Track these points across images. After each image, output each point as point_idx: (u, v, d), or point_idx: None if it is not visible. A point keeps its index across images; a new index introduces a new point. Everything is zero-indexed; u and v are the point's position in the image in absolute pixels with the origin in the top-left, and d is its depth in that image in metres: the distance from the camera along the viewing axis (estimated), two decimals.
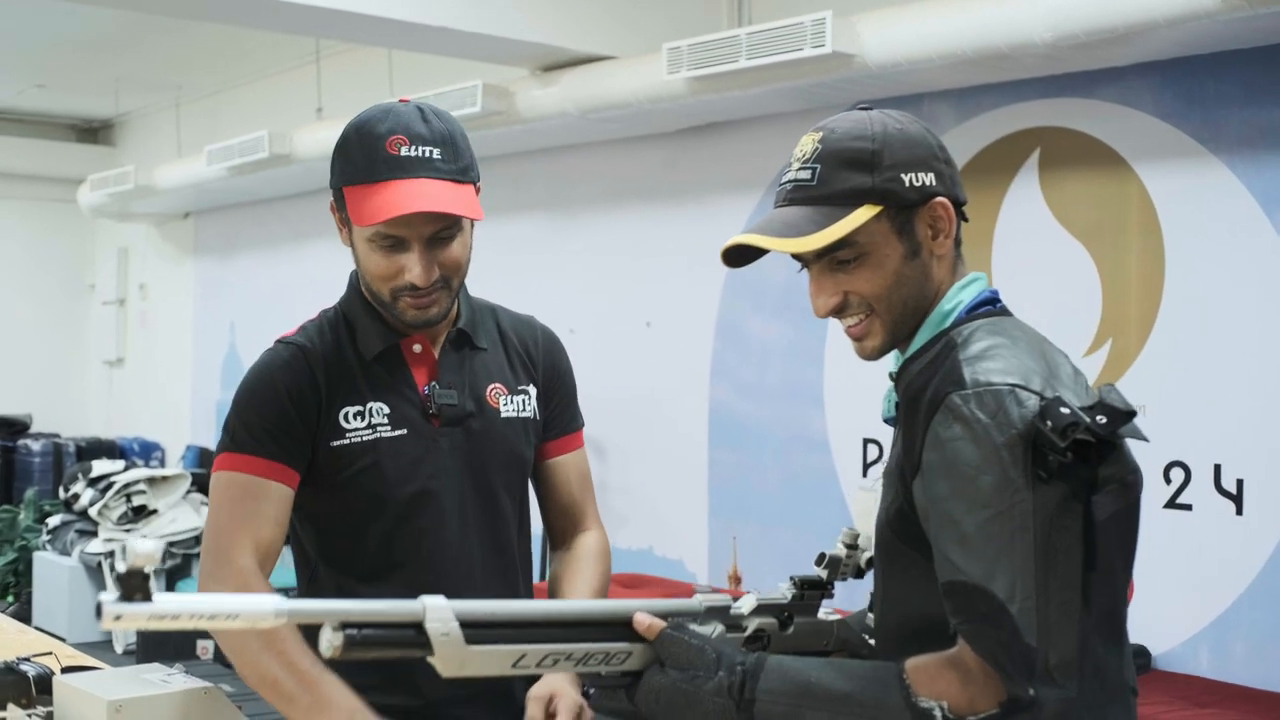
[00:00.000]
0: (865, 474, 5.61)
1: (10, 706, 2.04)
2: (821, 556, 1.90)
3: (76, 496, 7.86)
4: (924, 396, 1.69)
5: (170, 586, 7.38)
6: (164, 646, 6.43)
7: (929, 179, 1.75)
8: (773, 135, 5.82)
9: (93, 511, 7.60)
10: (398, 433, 2.12)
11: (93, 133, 11.29)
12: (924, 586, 1.69)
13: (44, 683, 2.12)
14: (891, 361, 1.86)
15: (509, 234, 7.15)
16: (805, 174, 1.77)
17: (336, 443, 2.10)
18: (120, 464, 8.26)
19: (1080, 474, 1.62)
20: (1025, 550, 1.57)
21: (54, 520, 7.99)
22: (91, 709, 1.83)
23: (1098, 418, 1.60)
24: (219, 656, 6.40)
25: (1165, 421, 4.61)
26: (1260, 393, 4.42)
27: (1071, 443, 1.58)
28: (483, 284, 8.25)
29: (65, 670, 2.15)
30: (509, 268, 6.96)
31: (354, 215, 2.04)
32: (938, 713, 1.58)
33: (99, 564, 7.41)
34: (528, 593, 2.26)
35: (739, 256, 1.82)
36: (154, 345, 10.87)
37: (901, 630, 1.76)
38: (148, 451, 10.29)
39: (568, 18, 5.75)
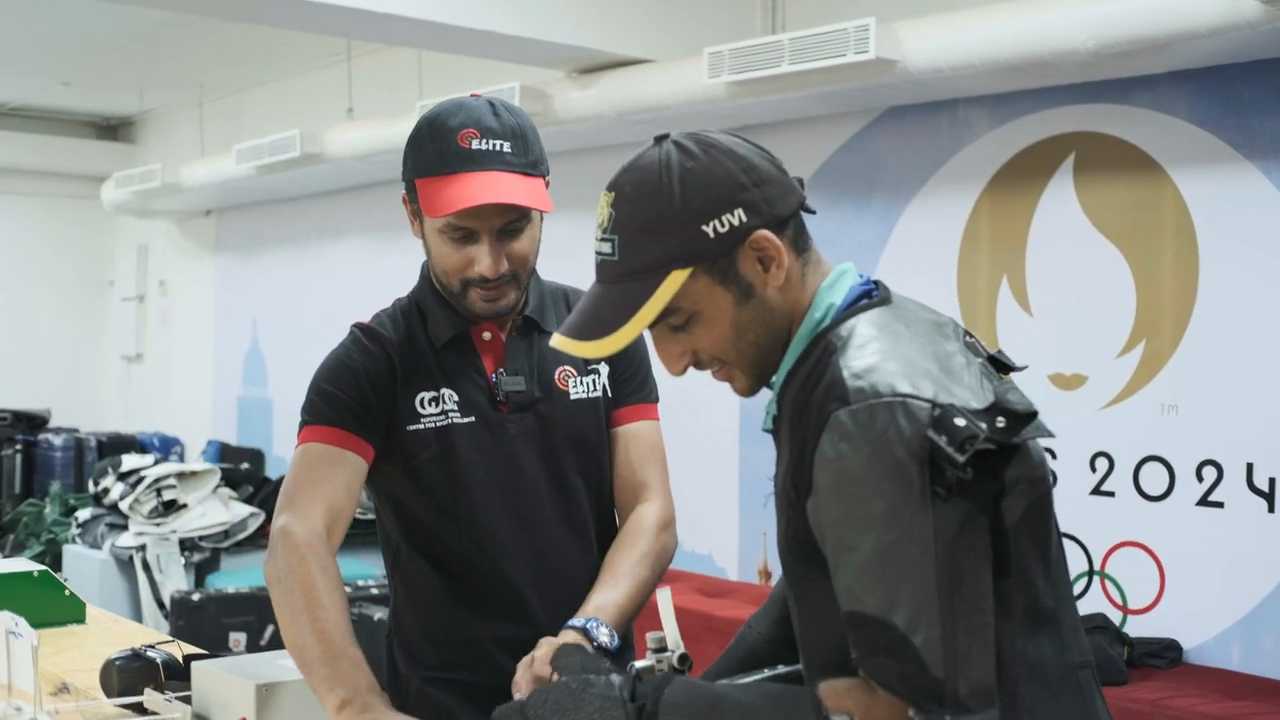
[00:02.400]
0: None
1: (147, 691, 2.11)
2: (630, 668, 1.76)
3: (106, 491, 7.92)
4: (809, 411, 1.56)
5: (199, 581, 7.46)
6: (197, 638, 6.51)
7: (737, 217, 1.59)
8: (806, 138, 5.90)
9: (123, 505, 7.66)
10: (467, 419, 2.17)
11: (112, 130, 11.35)
12: (837, 610, 1.57)
13: (172, 668, 2.19)
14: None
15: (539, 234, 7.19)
16: (606, 247, 1.64)
17: (411, 426, 2.15)
18: (150, 459, 8.33)
19: (985, 485, 1.50)
20: (927, 576, 1.47)
21: (83, 514, 8.05)
22: (238, 693, 1.90)
23: (996, 420, 1.49)
24: (251, 648, 6.49)
25: (1198, 421, 4.71)
26: None
27: (971, 456, 1.46)
28: None
29: (188, 659, 2.23)
30: (540, 268, 6.97)
31: (426, 207, 2.08)
32: None
33: (130, 557, 7.48)
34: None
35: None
36: (174, 341, 10.92)
37: (826, 664, 1.63)
38: (167, 446, 10.34)
39: (603, 21, 5.81)
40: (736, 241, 1.60)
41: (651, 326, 1.64)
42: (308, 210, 9.25)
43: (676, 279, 1.59)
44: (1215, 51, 4.36)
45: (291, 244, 9.51)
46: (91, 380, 11.57)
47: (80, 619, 2.97)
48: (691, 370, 1.75)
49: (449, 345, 2.19)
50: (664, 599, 1.85)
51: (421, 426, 2.15)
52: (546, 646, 1.96)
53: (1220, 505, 4.67)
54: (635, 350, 2.29)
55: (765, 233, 1.61)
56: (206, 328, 10.46)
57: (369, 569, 7.70)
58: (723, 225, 1.59)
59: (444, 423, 2.16)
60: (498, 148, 2.05)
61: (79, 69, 9.35)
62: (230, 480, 8.10)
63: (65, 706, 2.17)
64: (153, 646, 2.24)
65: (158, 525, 7.54)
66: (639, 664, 1.81)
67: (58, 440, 10.04)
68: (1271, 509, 4.57)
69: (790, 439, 1.62)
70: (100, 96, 10.38)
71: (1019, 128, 5.20)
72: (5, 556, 7.88)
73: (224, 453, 9.68)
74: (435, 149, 2.07)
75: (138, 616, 7.18)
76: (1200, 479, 4.71)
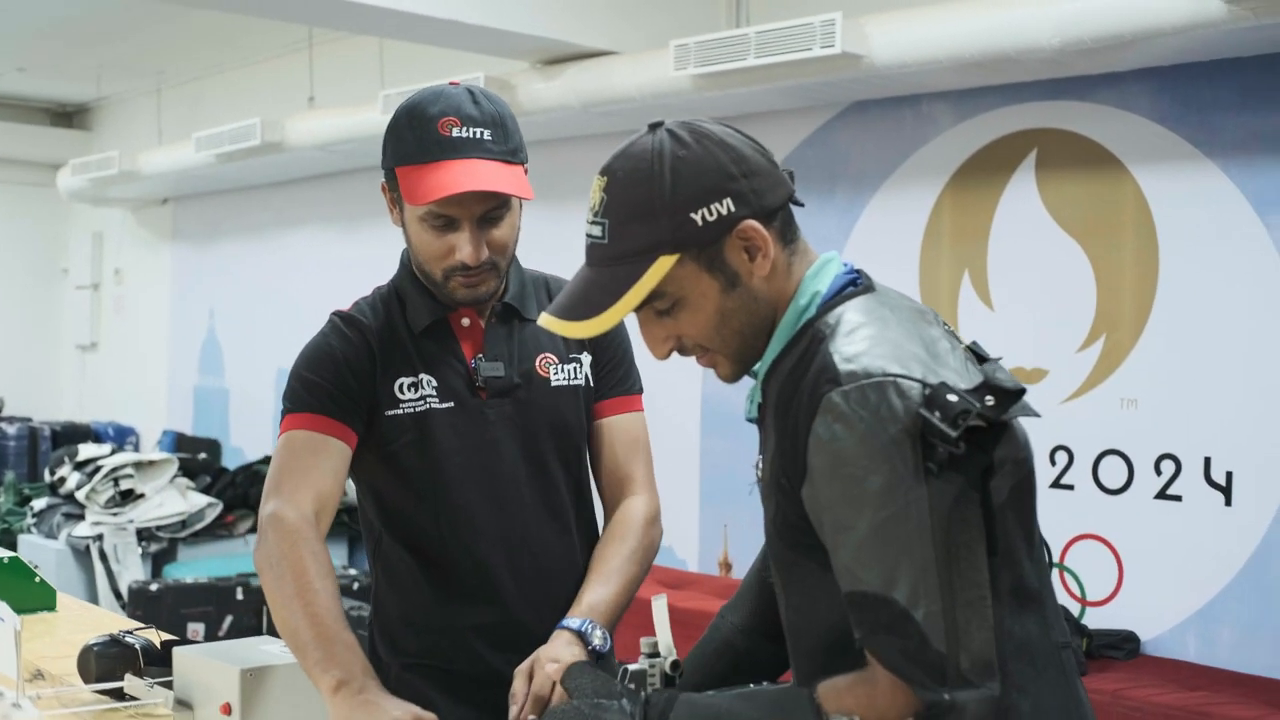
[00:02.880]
0: None
1: (128, 677, 2.10)
2: (624, 673, 1.80)
3: (63, 480, 7.86)
4: (799, 397, 1.59)
5: (157, 571, 7.42)
6: (154, 627, 6.47)
7: (725, 207, 1.62)
8: (770, 131, 5.92)
9: (80, 495, 7.60)
10: (445, 405, 2.16)
11: (68, 117, 11.24)
12: (826, 595, 1.61)
13: (150, 655, 2.18)
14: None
15: None
16: (597, 230, 1.66)
17: (390, 412, 2.15)
18: (107, 448, 8.27)
19: (975, 461, 1.54)
20: (925, 551, 1.49)
21: (39, 503, 7.99)
22: (221, 678, 1.89)
23: (985, 399, 1.53)
24: (209, 638, 6.46)
25: (1157, 415, 4.76)
26: (1250, 389, 4.57)
27: (963, 431, 1.50)
28: None
29: (165, 644, 2.22)
30: None
31: (407, 195, 2.07)
32: None
33: (86, 547, 7.42)
34: (586, 560, 2.25)
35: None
36: (129, 330, 10.84)
37: (814, 649, 1.68)
38: (122, 436, 10.26)
39: (568, 12, 5.81)
40: (724, 230, 1.62)
41: (637, 310, 1.66)
42: (267, 199, 9.20)
43: (664, 264, 1.62)
44: (1178, 50, 4.41)
45: (250, 233, 9.46)
46: (45, 369, 11.47)
47: (51, 606, 2.95)
48: (651, 361, 1.76)
49: (428, 331, 2.19)
50: (660, 606, 1.86)
51: (400, 412, 2.15)
52: (551, 665, 1.96)
53: (1178, 499, 4.73)
54: (618, 340, 2.30)
55: (752, 223, 1.63)
56: (162, 317, 10.38)
57: (333, 560, 7.68)
58: (711, 214, 1.61)
59: (422, 408, 2.15)
60: (478, 135, 2.05)
61: (35, 54, 9.27)
62: (188, 470, 8.04)
63: (46, 693, 2.16)
64: (130, 632, 2.23)
65: (115, 515, 7.49)
66: (631, 667, 1.83)
67: (11, 429, 9.94)
68: (1229, 502, 4.63)
69: (777, 426, 1.64)
70: (56, 82, 10.29)
71: (982, 123, 5.24)
72: None
73: (180, 442, 9.62)
74: (415, 137, 2.06)
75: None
76: (1159, 472, 4.76)
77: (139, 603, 6.67)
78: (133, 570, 7.32)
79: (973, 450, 1.52)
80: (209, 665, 1.94)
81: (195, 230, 10.08)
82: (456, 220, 2.07)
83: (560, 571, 2.21)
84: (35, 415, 10.67)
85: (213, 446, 9.44)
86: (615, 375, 2.31)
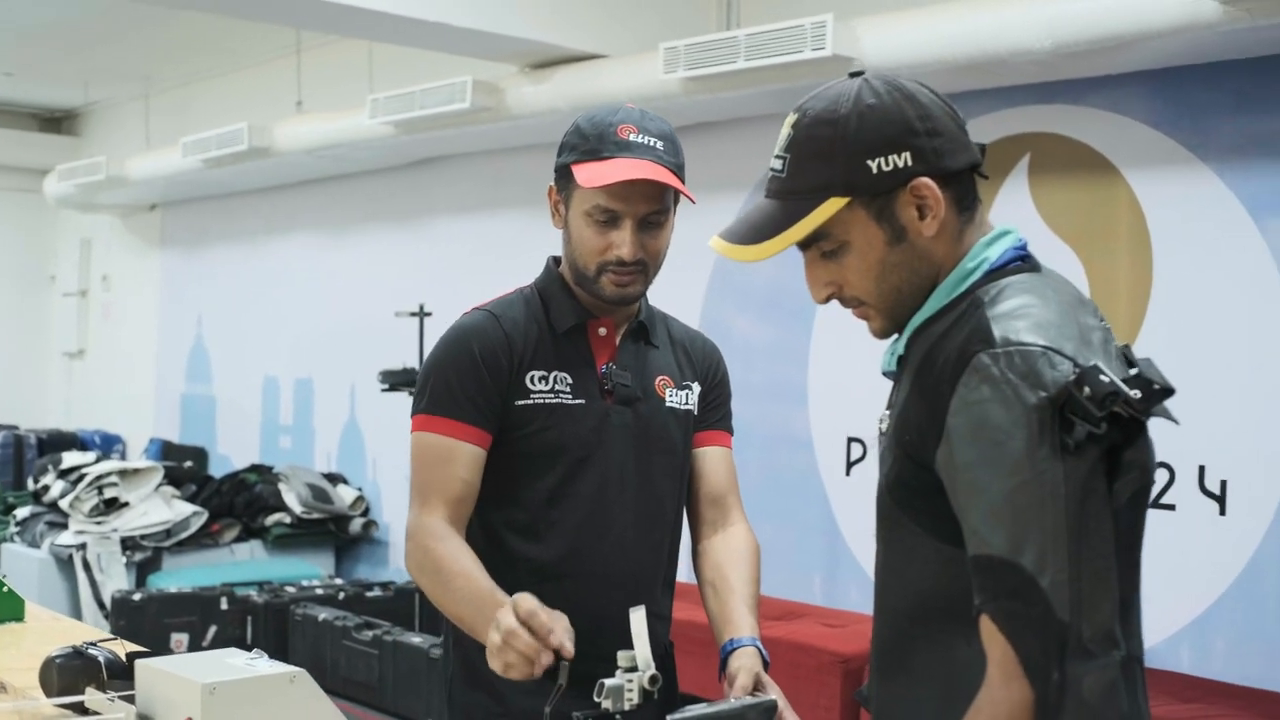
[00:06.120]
0: (849, 472, 5.68)
1: (89, 690, 2.04)
2: (600, 686, 1.83)
3: (46, 488, 7.80)
4: (947, 357, 1.60)
5: (141, 581, 7.35)
6: (138, 638, 6.40)
7: (903, 159, 1.65)
8: (760, 135, 5.87)
9: (63, 503, 7.54)
10: (577, 401, 2.30)
11: (56, 122, 11.19)
12: (920, 558, 1.66)
13: (114, 667, 2.12)
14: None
15: (485, 231, 7.17)
16: (778, 164, 1.72)
17: (521, 402, 2.28)
18: (91, 456, 8.21)
19: (1106, 449, 1.54)
20: (1056, 518, 1.50)
21: (22, 512, 7.92)
22: (183, 692, 1.83)
23: (1134, 392, 1.52)
24: (193, 648, 6.39)
25: (1151, 422, 4.70)
26: (1245, 397, 4.52)
27: (1107, 414, 1.50)
28: (465, 278, 8.26)
29: (131, 656, 2.16)
30: (485, 266, 6.96)
31: (584, 180, 2.20)
32: None
33: (69, 556, 7.35)
34: (672, 570, 2.41)
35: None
36: (117, 337, 10.78)
37: (898, 610, 1.73)
38: (109, 444, 10.21)
39: (557, 15, 5.78)
40: (898, 183, 1.66)
41: (805, 249, 1.72)
42: (255, 205, 9.15)
43: (833, 205, 1.66)
44: (1172, 52, 4.37)
45: (238, 239, 9.41)
46: (32, 376, 11.40)
47: (19, 616, 2.89)
48: None
49: (567, 334, 2.33)
50: (637, 618, 1.86)
51: (531, 402, 2.28)
52: (746, 676, 2.13)
53: (1172, 508, 4.67)
54: (726, 378, 2.49)
55: (927, 180, 1.66)
56: (150, 324, 10.32)
57: (314, 569, 7.62)
58: (887, 164, 1.65)
59: (553, 401, 2.29)
60: (652, 143, 2.22)
61: (22, 59, 9.22)
62: (173, 478, 7.98)
63: (5, 706, 2.10)
64: (94, 644, 2.18)
65: (98, 524, 7.42)
66: (609, 682, 1.84)
67: None
68: (1223, 511, 4.58)
69: (915, 383, 1.66)
70: (44, 88, 10.25)
71: (974, 127, 5.08)
72: None
73: (166, 450, 9.56)
74: (596, 136, 2.23)
75: (77, 616, 7.05)
76: (1152, 482, 4.70)
77: (122, 613, 6.60)
78: (116, 580, 7.25)
79: (1108, 436, 1.52)
80: (171, 679, 1.89)
81: (183, 236, 10.03)
82: (619, 217, 2.22)
83: (645, 575, 2.34)
84: (21, 423, 10.61)
85: (199, 454, 9.38)
86: (720, 412, 2.47)
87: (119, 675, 2.10)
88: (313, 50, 7.92)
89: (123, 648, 2.21)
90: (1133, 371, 1.58)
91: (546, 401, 2.28)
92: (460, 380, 2.25)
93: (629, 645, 1.87)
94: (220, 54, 8.60)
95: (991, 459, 1.53)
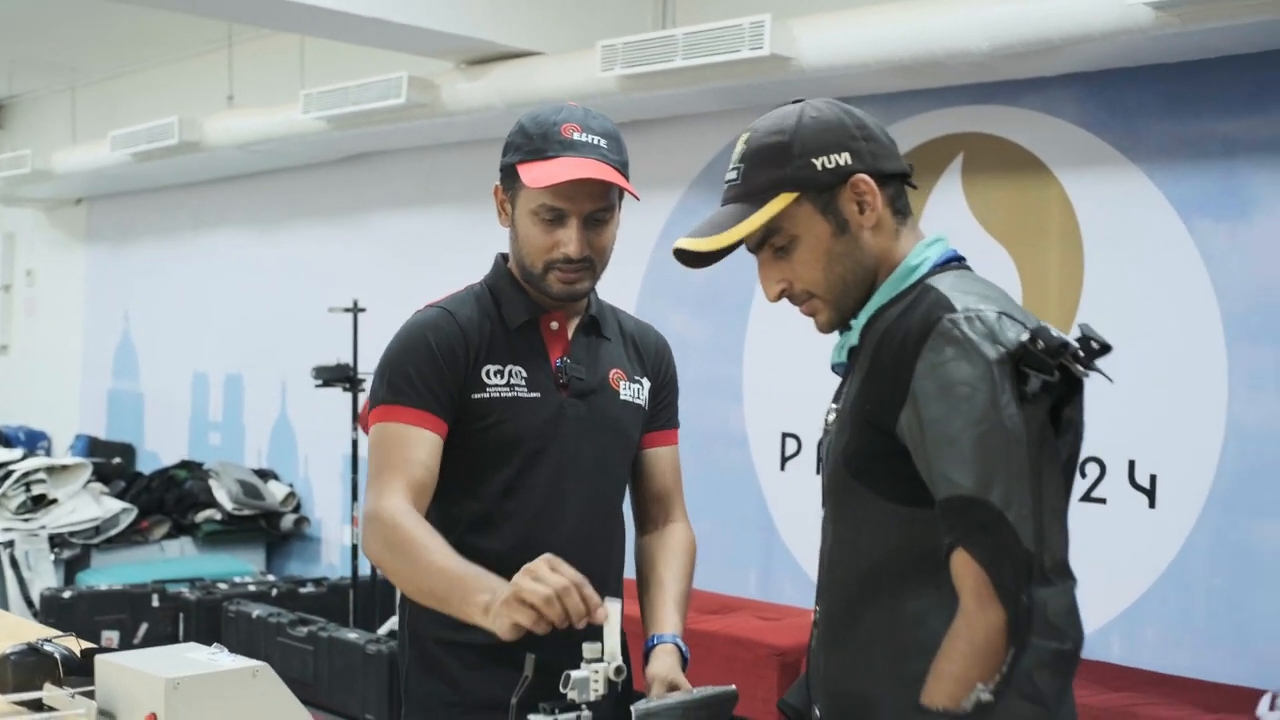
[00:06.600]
0: (784, 468, 5.73)
1: (47, 686, 2.03)
2: (566, 678, 1.85)
3: None
4: (908, 330, 1.77)
5: (70, 578, 7.27)
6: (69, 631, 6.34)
7: (843, 159, 1.86)
8: (698, 133, 5.91)
9: None
10: (532, 395, 2.32)
11: None
12: (871, 524, 1.82)
13: (70, 663, 2.11)
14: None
15: (420, 227, 7.15)
16: (733, 174, 1.91)
17: (476, 395, 2.30)
18: (17, 453, 8.10)
19: (1053, 404, 1.72)
20: (1019, 461, 1.67)
21: None
22: (146, 687, 1.83)
23: (1077, 348, 1.71)
24: (124, 646, 6.33)
25: (1085, 415, 4.78)
26: (1174, 393, 4.61)
27: (1058, 365, 1.69)
28: (399, 274, 8.19)
29: (86, 653, 2.15)
30: (419, 261, 6.93)
31: (529, 179, 2.22)
32: (982, 695, 1.65)
33: None
34: (621, 559, 2.43)
35: (694, 258, 1.94)
36: (41, 332, 10.64)
37: (848, 579, 1.87)
38: (33, 440, 10.06)
39: (493, 11, 5.76)
40: (839, 179, 1.86)
41: (758, 252, 1.92)
42: (184, 200, 9.06)
43: (783, 200, 1.85)
44: (1104, 55, 4.44)
45: (166, 235, 9.31)
46: None
47: None
48: None
49: (520, 329, 2.36)
50: (614, 609, 1.89)
51: (486, 396, 2.30)
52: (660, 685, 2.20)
53: (1103, 501, 4.76)
54: (674, 375, 2.55)
55: (865, 177, 1.86)
56: (75, 319, 10.20)
57: (245, 565, 7.57)
58: (830, 163, 1.85)
59: (509, 395, 2.31)
60: (596, 142, 2.27)
61: None
62: (102, 475, 7.90)
63: None
64: (49, 640, 2.16)
65: (26, 521, 7.33)
66: (575, 674, 1.85)
67: None
68: (1152, 505, 4.67)
69: (871, 364, 1.83)
70: None
71: (909, 127, 5.25)
72: None
73: (93, 447, 9.45)
74: (540, 135, 2.27)
75: None
76: (1083, 475, 4.79)
77: (51, 610, 6.52)
78: (45, 577, 7.16)
79: (1057, 390, 1.71)
80: (133, 674, 1.88)
81: (110, 231, 9.90)
82: (565, 215, 2.25)
83: (599, 563, 2.30)
84: None
85: (127, 451, 9.28)
86: (669, 411, 2.53)
87: (75, 671, 2.09)
88: (244, 44, 7.85)
89: (77, 644, 2.19)
90: (1074, 334, 1.74)
91: (503, 395, 2.31)
92: (419, 371, 2.27)
93: (591, 637, 1.89)
94: (150, 46, 8.49)
95: (959, 411, 1.69)
